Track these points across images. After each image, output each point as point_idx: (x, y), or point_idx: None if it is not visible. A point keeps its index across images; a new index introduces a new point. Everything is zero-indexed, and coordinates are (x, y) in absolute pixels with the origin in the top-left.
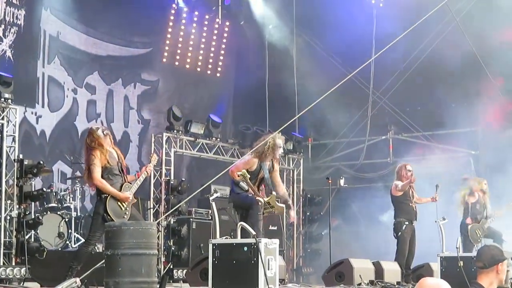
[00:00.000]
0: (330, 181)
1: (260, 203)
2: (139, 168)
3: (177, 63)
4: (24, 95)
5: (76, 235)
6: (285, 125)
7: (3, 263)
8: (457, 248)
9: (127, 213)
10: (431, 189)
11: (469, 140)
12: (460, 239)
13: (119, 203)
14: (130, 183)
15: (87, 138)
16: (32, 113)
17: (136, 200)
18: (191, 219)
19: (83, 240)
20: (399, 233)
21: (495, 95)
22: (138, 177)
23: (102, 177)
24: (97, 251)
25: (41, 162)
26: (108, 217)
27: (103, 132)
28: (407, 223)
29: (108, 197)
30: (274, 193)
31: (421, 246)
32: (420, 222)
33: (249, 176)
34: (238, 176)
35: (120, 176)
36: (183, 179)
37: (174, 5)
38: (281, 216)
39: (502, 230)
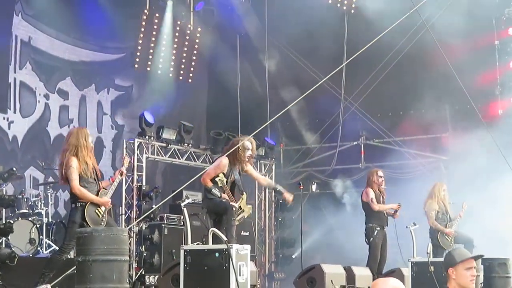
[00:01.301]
0: (302, 187)
1: (234, 209)
2: (113, 174)
3: (149, 69)
4: None
5: (48, 241)
6: (256, 131)
7: None
8: (428, 253)
9: (104, 220)
10: (402, 196)
11: (440, 146)
12: (430, 244)
13: (96, 210)
14: (106, 189)
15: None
16: (3, 118)
17: (111, 205)
18: (163, 225)
19: (54, 246)
20: (371, 239)
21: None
22: (113, 182)
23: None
24: (69, 257)
25: (14, 169)
26: (87, 225)
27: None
28: (378, 228)
29: (87, 205)
30: (243, 196)
31: (392, 251)
32: (392, 228)
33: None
34: (217, 181)
35: (95, 183)
36: (157, 186)
37: (146, 11)
38: (252, 221)
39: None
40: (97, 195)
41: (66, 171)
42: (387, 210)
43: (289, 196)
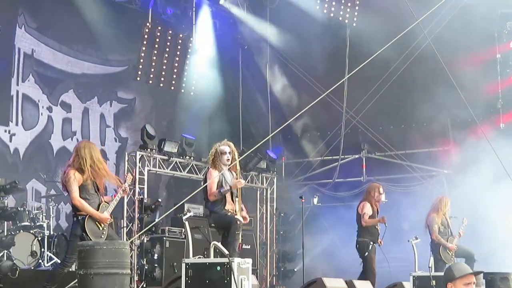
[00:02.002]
0: (303, 200)
1: (238, 222)
2: (117, 187)
3: (151, 82)
4: None
5: (49, 254)
6: (258, 144)
7: None
8: (429, 267)
9: (104, 232)
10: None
11: (441, 159)
12: (432, 258)
13: (97, 223)
14: (108, 203)
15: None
16: (5, 131)
17: (112, 220)
18: (164, 238)
19: (56, 259)
20: (366, 253)
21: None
22: (115, 197)
23: (80, 196)
24: (70, 270)
25: (16, 181)
26: (87, 237)
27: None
28: (371, 243)
29: (86, 218)
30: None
31: (393, 265)
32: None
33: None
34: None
35: (97, 196)
36: (159, 199)
37: (148, 24)
38: (254, 234)
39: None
40: (98, 207)
41: (66, 183)
42: (375, 225)
43: (243, 181)
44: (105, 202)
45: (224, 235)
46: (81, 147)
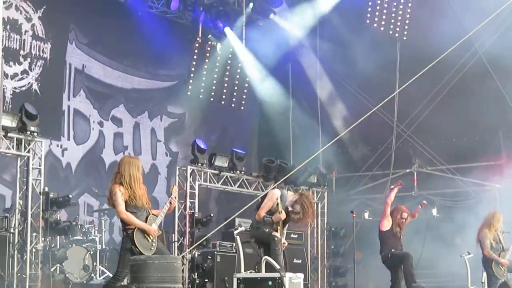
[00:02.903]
0: (354, 215)
1: (276, 239)
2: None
3: (201, 96)
4: (49, 128)
5: (101, 268)
6: (308, 159)
7: None
8: (482, 282)
9: (153, 245)
10: (455, 224)
11: (494, 173)
12: (485, 274)
13: (145, 235)
14: (156, 216)
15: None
16: (57, 145)
17: (161, 233)
18: (215, 252)
19: (108, 273)
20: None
21: None
22: (162, 210)
23: (126, 210)
24: (122, 284)
25: (70, 196)
26: (137, 249)
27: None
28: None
29: (135, 231)
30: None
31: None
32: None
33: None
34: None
35: (144, 210)
36: (212, 214)
37: (198, 38)
38: (305, 249)
39: None
40: (146, 220)
41: (111, 198)
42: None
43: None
44: (153, 215)
45: (265, 251)
46: (122, 163)
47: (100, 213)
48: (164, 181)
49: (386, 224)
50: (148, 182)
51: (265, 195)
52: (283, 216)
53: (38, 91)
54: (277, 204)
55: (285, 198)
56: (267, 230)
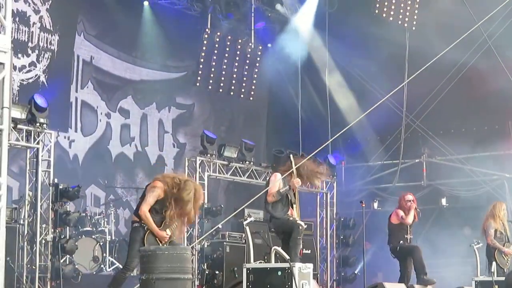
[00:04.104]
0: (363, 205)
1: (300, 227)
2: None
3: (210, 87)
4: (57, 120)
5: (111, 259)
6: (318, 150)
7: (39, 287)
8: (492, 272)
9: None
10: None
11: (503, 163)
12: (495, 263)
13: (157, 239)
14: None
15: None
16: (64, 137)
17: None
18: (225, 243)
19: (117, 264)
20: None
21: None
22: None
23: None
24: (132, 275)
25: (80, 186)
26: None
27: None
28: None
29: (148, 231)
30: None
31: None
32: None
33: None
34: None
35: (163, 216)
36: (222, 205)
37: (207, 29)
38: (314, 239)
39: None
40: (161, 223)
41: (148, 190)
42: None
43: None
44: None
45: (284, 240)
46: (191, 188)
47: (107, 204)
48: (171, 172)
49: (396, 218)
50: (155, 173)
51: (268, 183)
52: (297, 181)
53: (46, 83)
54: (283, 181)
55: (286, 179)
56: (291, 218)
